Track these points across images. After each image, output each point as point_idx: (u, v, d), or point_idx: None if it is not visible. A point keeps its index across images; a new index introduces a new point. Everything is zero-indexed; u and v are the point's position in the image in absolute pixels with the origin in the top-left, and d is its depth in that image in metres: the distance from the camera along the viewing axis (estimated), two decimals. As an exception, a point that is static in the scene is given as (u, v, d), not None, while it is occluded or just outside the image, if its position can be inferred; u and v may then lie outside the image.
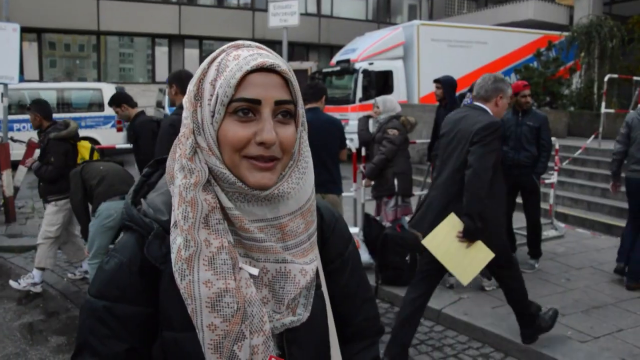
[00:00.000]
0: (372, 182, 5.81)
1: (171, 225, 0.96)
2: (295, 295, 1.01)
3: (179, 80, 4.42)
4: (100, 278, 1.03)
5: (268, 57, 0.96)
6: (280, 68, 0.95)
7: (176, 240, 0.94)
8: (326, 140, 4.84)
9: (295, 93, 0.98)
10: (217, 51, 1.00)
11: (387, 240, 5.30)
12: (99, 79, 21.30)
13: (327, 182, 4.87)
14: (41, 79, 19.85)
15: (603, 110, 11.07)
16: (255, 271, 0.97)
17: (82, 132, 12.67)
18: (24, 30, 16.46)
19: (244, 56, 0.95)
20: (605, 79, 11.57)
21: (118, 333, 0.99)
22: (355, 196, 6.45)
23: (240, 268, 0.96)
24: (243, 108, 0.93)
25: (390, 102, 5.93)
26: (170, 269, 0.96)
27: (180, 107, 4.16)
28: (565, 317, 4.61)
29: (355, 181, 6.44)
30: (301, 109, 1.01)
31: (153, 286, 1.00)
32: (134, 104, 5.46)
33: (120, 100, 5.41)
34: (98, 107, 13.25)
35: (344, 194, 5.38)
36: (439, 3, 28.70)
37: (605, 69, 14.93)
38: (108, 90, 13.40)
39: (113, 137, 12.96)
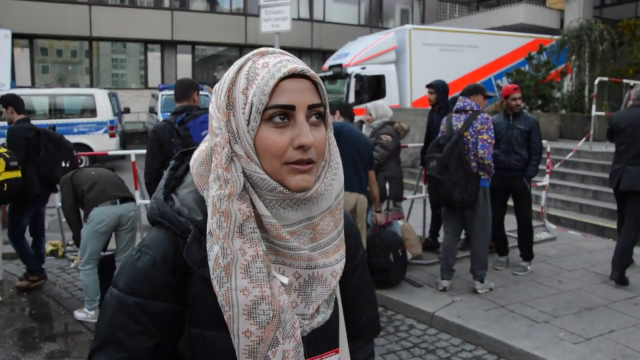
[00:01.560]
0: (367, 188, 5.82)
1: (207, 232, 0.98)
2: (327, 297, 1.04)
3: None
4: (131, 274, 1.03)
5: (296, 62, 0.99)
6: (310, 73, 0.98)
7: (213, 248, 0.96)
8: (359, 148, 4.97)
9: (325, 96, 1.01)
10: (243, 60, 1.02)
11: (367, 243, 5.30)
12: (91, 85, 21.24)
13: (358, 184, 5.01)
14: (33, 85, 19.76)
15: (594, 113, 11.14)
16: (285, 280, 0.99)
17: (75, 139, 12.74)
18: (16, 36, 16.42)
19: (272, 63, 0.97)
20: (596, 82, 11.65)
21: (148, 329, 1.01)
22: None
23: (274, 276, 0.98)
24: (279, 114, 0.95)
25: (382, 108, 5.96)
26: (204, 272, 0.98)
27: (176, 112, 4.15)
28: (557, 318, 4.64)
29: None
30: (328, 111, 1.04)
31: (184, 284, 1.02)
32: (21, 110, 5.52)
33: (8, 101, 5.46)
34: (90, 113, 13.18)
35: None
36: (430, 7, 28.81)
37: (596, 72, 15.05)
38: (101, 96, 13.36)
39: (106, 143, 12.90)
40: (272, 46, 9.21)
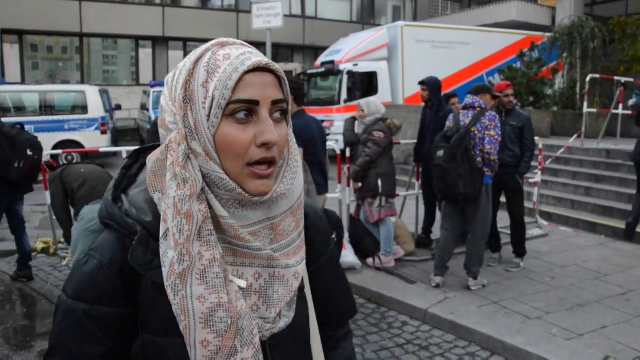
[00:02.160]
0: (360, 184, 5.82)
1: (160, 236, 0.92)
2: (290, 299, 1.00)
3: None
4: (78, 279, 0.98)
5: (259, 55, 0.95)
6: (274, 67, 0.94)
7: (167, 253, 0.91)
8: (322, 142, 4.98)
9: (287, 91, 0.97)
10: (201, 50, 0.96)
11: None
12: (82, 82, 21.11)
13: (321, 183, 4.98)
14: (23, 82, 19.60)
15: (585, 110, 11.19)
16: (243, 283, 0.95)
17: (66, 135, 12.69)
18: (5, 32, 16.31)
19: (235, 55, 0.92)
20: (587, 79, 11.71)
21: (96, 336, 0.96)
22: (340, 197, 6.45)
23: (231, 281, 0.94)
24: (241, 109, 0.91)
25: (374, 105, 5.95)
26: (152, 275, 0.94)
27: None
28: (550, 315, 4.65)
29: (340, 182, 6.44)
30: (290, 107, 1.00)
31: (133, 288, 0.97)
32: None
33: None
34: (81, 110, 13.12)
35: (328, 195, 5.39)
36: (422, 4, 28.84)
37: (587, 69, 15.12)
38: (92, 92, 13.28)
39: (97, 140, 12.85)
40: (264, 43, 9.20)
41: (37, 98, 13.09)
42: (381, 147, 5.65)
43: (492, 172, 5.08)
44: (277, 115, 0.95)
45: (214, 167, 0.91)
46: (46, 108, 13.07)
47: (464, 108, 5.20)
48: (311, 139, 4.79)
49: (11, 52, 20.36)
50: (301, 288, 1.09)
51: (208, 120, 0.90)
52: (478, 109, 5.08)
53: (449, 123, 5.25)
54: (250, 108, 0.91)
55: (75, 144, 12.62)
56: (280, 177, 0.99)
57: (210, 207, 0.92)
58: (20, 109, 12.99)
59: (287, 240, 1.01)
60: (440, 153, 5.00)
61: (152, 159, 0.98)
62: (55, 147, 12.01)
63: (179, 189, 0.90)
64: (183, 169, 0.90)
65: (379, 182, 5.65)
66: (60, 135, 12.81)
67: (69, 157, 12.42)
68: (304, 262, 1.04)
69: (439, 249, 5.40)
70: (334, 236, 5.33)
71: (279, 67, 0.96)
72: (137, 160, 1.10)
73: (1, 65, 7.30)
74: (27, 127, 12.84)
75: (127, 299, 0.97)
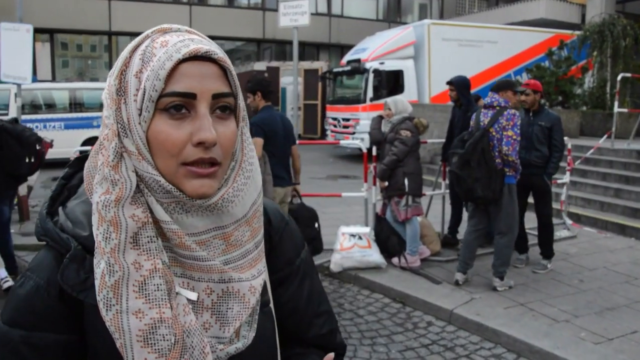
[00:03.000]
0: (386, 183, 5.80)
1: (95, 247, 0.82)
2: (246, 317, 0.89)
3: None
4: (14, 303, 0.87)
5: (201, 42, 0.83)
6: (217, 55, 0.82)
7: (100, 264, 0.80)
8: (287, 136, 5.13)
9: (235, 84, 0.86)
10: (141, 37, 0.86)
11: (296, 215, 5.17)
12: (110, 79, 21.44)
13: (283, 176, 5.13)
14: (54, 79, 19.99)
15: (616, 109, 10.98)
16: (194, 296, 0.85)
17: (94, 132, 12.95)
18: (37, 31, 16.59)
19: (172, 42, 0.81)
20: (618, 78, 11.47)
21: None
22: (366, 196, 6.44)
23: (177, 293, 0.84)
24: (175, 104, 0.80)
25: (401, 103, 5.93)
26: (85, 297, 0.83)
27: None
28: (578, 318, 4.59)
29: (365, 181, 6.43)
30: (241, 102, 0.89)
31: (76, 310, 0.86)
32: None
33: None
34: (110, 107, 13.38)
35: (355, 194, 5.39)
36: (449, 2, 28.61)
37: (618, 68, 14.80)
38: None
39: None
40: (291, 41, 9.21)
41: (67, 95, 13.36)
42: (408, 145, 5.63)
43: (514, 172, 5.02)
44: (219, 111, 0.84)
45: (147, 167, 0.81)
46: (75, 105, 13.33)
47: (485, 107, 5.16)
48: (274, 131, 4.95)
49: (42, 50, 20.76)
50: (266, 302, 0.97)
51: (140, 114, 0.80)
52: (497, 108, 5.03)
53: (472, 123, 5.23)
54: (186, 102, 0.80)
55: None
56: (231, 182, 0.88)
57: (151, 211, 0.83)
58: (50, 106, 13.28)
59: (241, 251, 0.90)
60: (455, 159, 5.01)
61: (88, 160, 0.89)
62: (84, 144, 12.26)
63: (106, 193, 0.80)
64: (113, 170, 0.80)
65: (406, 181, 5.63)
66: (89, 132, 13.08)
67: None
68: (263, 275, 0.93)
69: (462, 247, 5.40)
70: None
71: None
72: (78, 169, 0.97)
73: (33, 64, 7.49)
74: (57, 124, 13.06)
75: (69, 323, 0.86)
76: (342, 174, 12.62)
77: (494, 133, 4.94)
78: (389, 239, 5.87)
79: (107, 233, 0.80)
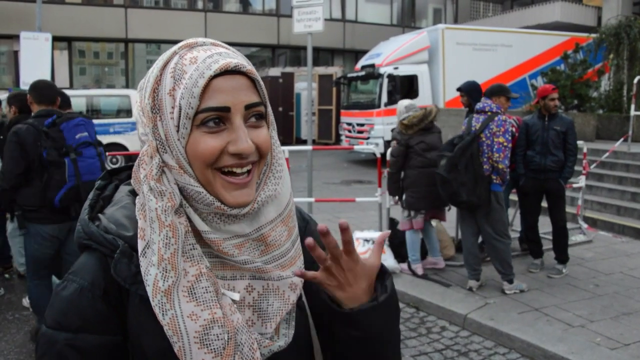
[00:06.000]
0: (396, 198, 5.77)
1: (139, 253, 0.85)
2: (286, 314, 0.93)
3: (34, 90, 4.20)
4: (57, 306, 0.88)
5: (229, 56, 0.87)
6: (246, 68, 0.86)
7: (149, 270, 0.83)
8: None
9: (263, 93, 0.90)
10: (169, 53, 0.88)
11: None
12: (127, 86, 21.67)
13: None
14: (71, 86, 20.28)
15: (633, 112, 10.87)
16: (236, 296, 0.88)
17: (111, 138, 13.06)
18: (55, 39, 16.82)
19: (202, 58, 0.84)
20: (635, 80, 11.36)
21: None
22: (380, 201, 6.45)
23: (223, 294, 0.87)
24: (212, 118, 0.83)
25: (398, 109, 5.77)
26: (138, 289, 0.86)
27: (39, 116, 3.95)
28: (593, 323, 4.56)
29: (380, 186, 6.44)
30: (269, 108, 0.93)
31: (120, 311, 0.88)
32: None
33: None
34: (126, 114, 13.54)
35: (369, 199, 5.39)
36: (463, 6, 28.52)
37: (635, 70, 14.65)
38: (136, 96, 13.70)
39: (141, 143, 13.20)
40: (305, 47, 9.26)
41: (84, 102, 13.52)
42: (394, 156, 5.56)
43: (501, 181, 5.00)
44: (253, 120, 0.88)
45: (189, 180, 0.85)
46: (93, 112, 13.49)
47: (476, 112, 5.15)
48: None
49: (60, 58, 21.05)
50: (298, 297, 1.00)
51: (178, 131, 0.84)
52: (489, 114, 5.03)
53: (464, 127, 5.22)
54: (221, 115, 0.84)
55: (120, 147, 12.97)
56: (262, 184, 0.92)
57: (190, 220, 0.87)
58: (68, 113, 13.44)
59: (280, 250, 0.93)
60: (443, 162, 4.99)
61: (133, 173, 0.94)
62: (101, 150, 12.38)
63: (159, 201, 0.84)
64: (158, 182, 0.85)
65: (404, 195, 5.62)
66: (106, 138, 13.18)
67: (114, 160, 12.80)
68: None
69: (464, 255, 5.39)
70: None
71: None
72: (110, 181, 1.04)
73: (51, 71, 7.65)
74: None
75: (113, 325, 0.88)
76: (356, 179, 12.63)
77: (484, 139, 4.95)
78: (402, 245, 5.87)
79: (167, 238, 0.83)
